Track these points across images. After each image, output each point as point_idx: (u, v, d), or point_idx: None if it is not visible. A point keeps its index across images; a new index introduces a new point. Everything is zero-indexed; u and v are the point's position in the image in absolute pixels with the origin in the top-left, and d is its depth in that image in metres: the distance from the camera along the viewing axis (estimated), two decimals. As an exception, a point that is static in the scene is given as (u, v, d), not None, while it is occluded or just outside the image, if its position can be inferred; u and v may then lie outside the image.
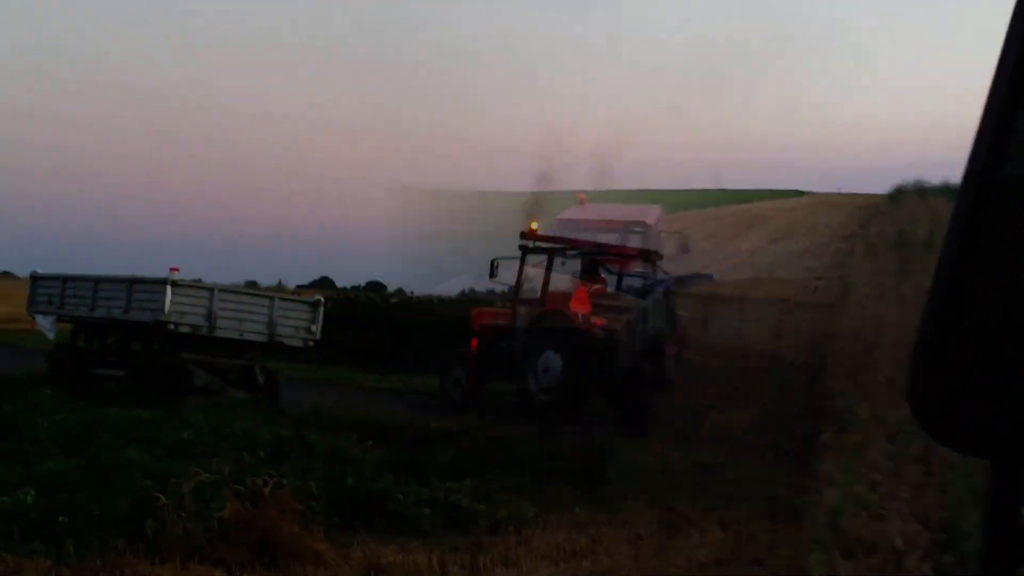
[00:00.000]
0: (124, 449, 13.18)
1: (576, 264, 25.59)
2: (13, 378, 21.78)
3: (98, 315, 23.34)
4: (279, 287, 29.55)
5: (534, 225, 25.30)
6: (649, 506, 12.42)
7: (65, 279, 24.74)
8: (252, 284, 32.20)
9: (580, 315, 23.82)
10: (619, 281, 26.86)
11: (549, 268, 24.59)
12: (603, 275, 26.28)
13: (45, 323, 25.55)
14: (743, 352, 22.15)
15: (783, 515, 12.22)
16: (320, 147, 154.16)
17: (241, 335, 21.97)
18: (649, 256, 26.79)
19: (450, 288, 48.42)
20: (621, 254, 26.95)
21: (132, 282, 22.53)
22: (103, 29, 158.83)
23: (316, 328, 22.88)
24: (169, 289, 21.12)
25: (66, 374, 23.30)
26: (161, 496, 10.00)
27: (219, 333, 21.66)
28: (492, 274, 25.75)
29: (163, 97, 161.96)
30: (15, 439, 13.84)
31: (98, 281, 23.62)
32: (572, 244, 25.71)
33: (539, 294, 24.62)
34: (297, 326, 22.62)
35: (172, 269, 21.80)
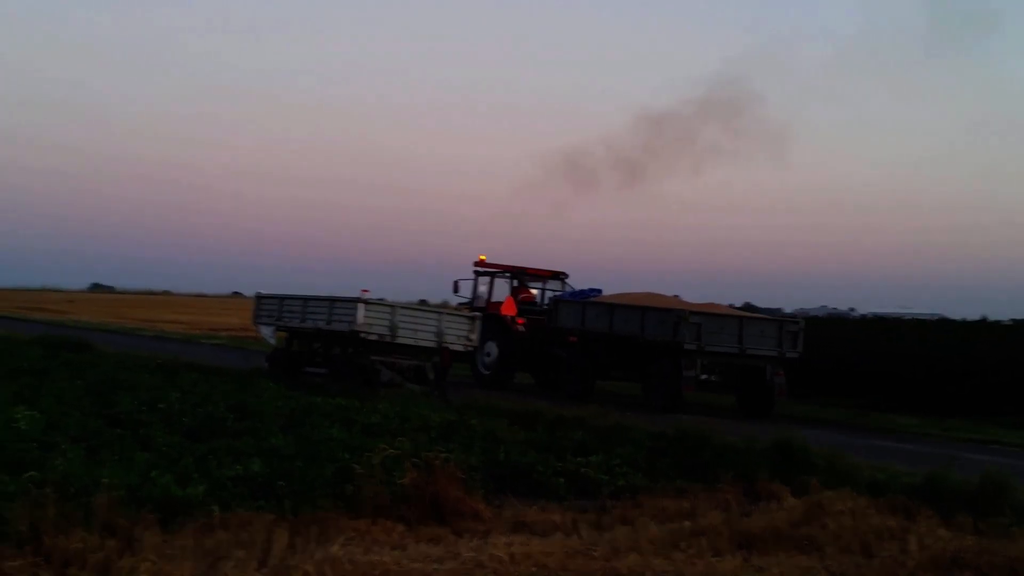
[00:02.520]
0: (329, 429, 13.32)
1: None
2: (244, 373, 22.18)
3: (307, 326, 23.78)
4: (444, 304, 30.06)
5: (483, 256, 29.91)
6: (736, 478, 12.23)
7: (282, 298, 25.22)
8: (423, 301, 32.49)
9: (509, 317, 28.43)
10: (543, 294, 30.54)
11: (491, 285, 29.80)
12: (533, 290, 30.51)
13: (266, 332, 26.08)
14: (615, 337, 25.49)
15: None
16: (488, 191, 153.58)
17: (416, 341, 22.20)
18: (558, 275, 30.42)
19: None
20: (539, 275, 30.46)
21: (333, 300, 22.93)
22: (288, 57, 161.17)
23: (474, 336, 23.04)
24: (361, 306, 21.44)
25: (283, 371, 23.74)
26: (357, 466, 10.12)
27: (399, 340, 21.93)
28: (455, 290, 30.11)
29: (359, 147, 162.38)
30: (247, 420, 14.07)
31: (307, 299, 24.06)
32: (505, 268, 30.01)
33: (484, 303, 29.19)
34: (459, 335, 22.79)
35: (363, 290, 22.25)
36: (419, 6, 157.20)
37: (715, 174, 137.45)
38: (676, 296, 27.75)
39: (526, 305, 29.55)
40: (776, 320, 26.40)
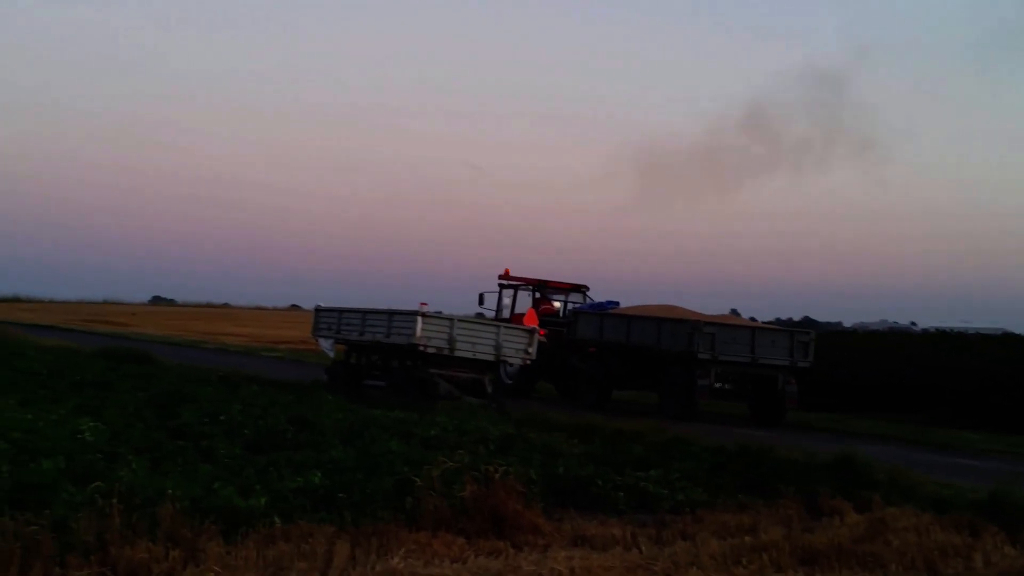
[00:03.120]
0: (388, 441, 13.36)
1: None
2: (303, 385, 22.34)
3: (366, 339, 23.90)
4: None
5: (508, 269, 30.86)
6: (798, 494, 12.12)
7: (341, 311, 25.38)
8: (480, 315, 32.74)
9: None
10: (564, 306, 31.43)
11: (515, 297, 30.74)
12: (555, 302, 31.48)
13: (325, 344, 26.29)
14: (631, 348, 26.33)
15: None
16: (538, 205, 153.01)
17: (474, 355, 22.23)
18: (579, 288, 31.44)
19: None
20: (560, 287, 31.45)
21: (391, 314, 23.01)
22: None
23: (532, 350, 23.05)
24: (419, 319, 21.50)
25: (342, 383, 23.90)
26: (417, 479, 10.16)
27: (457, 353, 21.96)
28: (480, 302, 30.84)
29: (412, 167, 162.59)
30: (307, 432, 14.16)
31: (366, 313, 24.19)
32: (528, 281, 30.95)
33: (508, 315, 30.10)
34: (517, 348, 22.80)
35: (421, 304, 22.31)
36: (471, 14, 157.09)
37: (774, 185, 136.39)
38: (732, 310, 27.91)
39: (548, 317, 30.41)
40: (787, 330, 27.42)
